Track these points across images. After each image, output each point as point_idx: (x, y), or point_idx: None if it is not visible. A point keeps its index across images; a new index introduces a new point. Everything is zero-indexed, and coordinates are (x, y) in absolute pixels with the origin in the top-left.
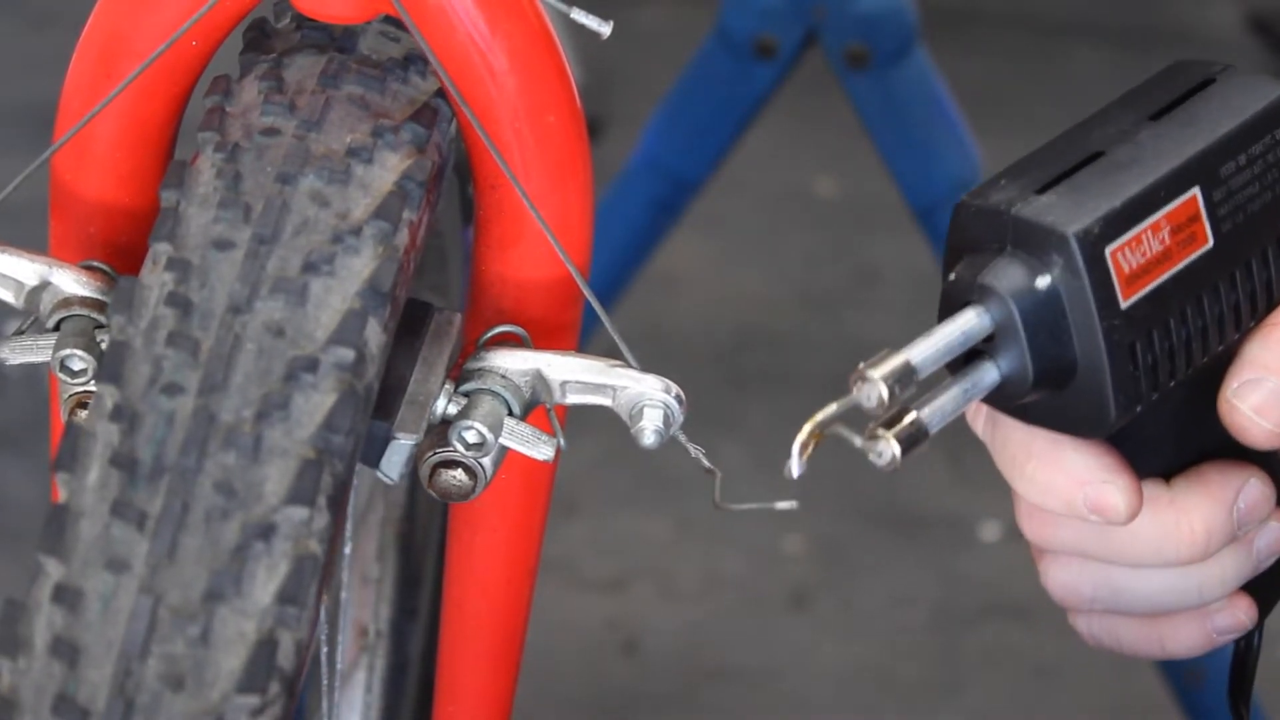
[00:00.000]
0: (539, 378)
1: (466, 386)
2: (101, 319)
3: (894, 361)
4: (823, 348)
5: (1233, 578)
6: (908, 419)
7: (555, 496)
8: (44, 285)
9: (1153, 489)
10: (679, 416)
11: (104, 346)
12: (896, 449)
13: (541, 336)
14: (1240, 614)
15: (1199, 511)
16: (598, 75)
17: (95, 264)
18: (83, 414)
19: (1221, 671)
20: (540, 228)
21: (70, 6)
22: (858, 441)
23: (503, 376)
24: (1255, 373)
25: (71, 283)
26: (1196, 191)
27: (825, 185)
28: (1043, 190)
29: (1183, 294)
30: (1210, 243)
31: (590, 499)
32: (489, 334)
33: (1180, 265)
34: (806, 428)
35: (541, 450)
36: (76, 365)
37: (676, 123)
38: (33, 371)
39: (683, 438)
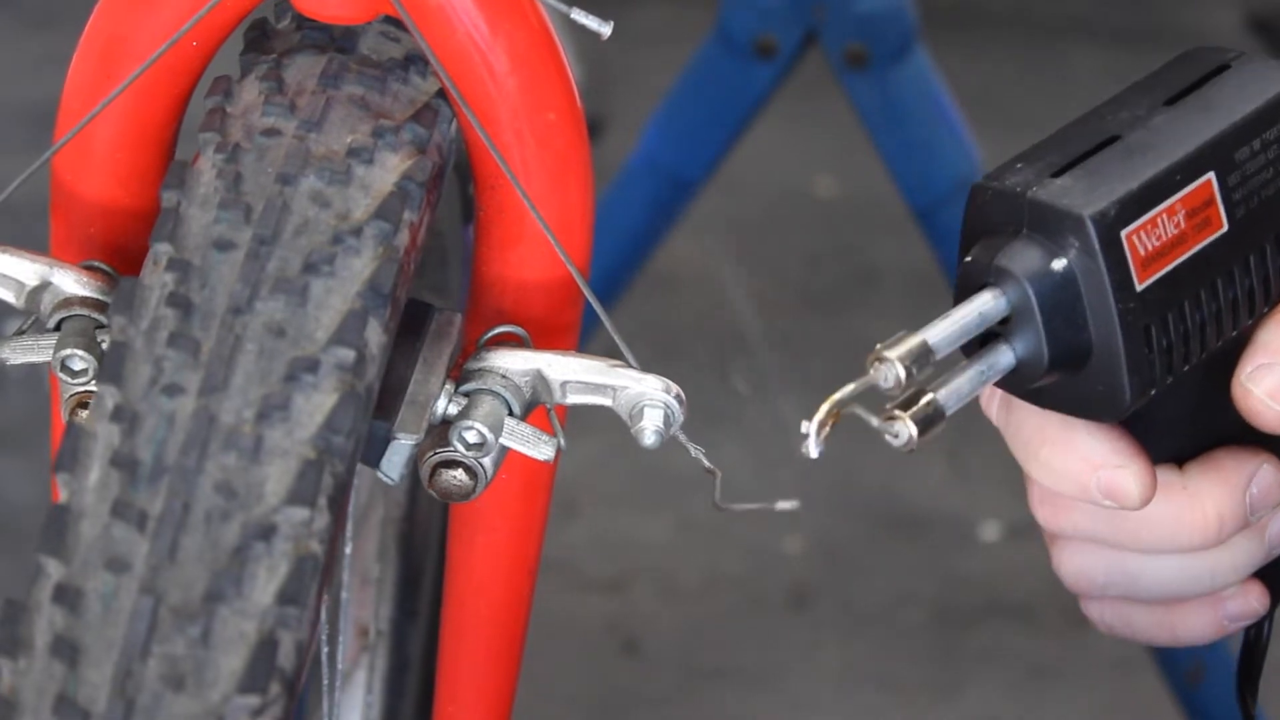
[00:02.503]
0: (539, 378)
1: (467, 387)
2: (102, 319)
3: (911, 342)
4: (823, 348)
5: (1245, 564)
6: (924, 400)
7: (555, 496)
8: (44, 285)
9: (1166, 474)
10: (679, 416)
11: (105, 347)
12: (914, 429)
13: (542, 336)
14: (1253, 600)
15: (1212, 497)
16: (598, 75)
17: (96, 264)
18: (83, 414)
19: (1221, 672)
20: (540, 228)
21: (69, 6)
22: (874, 422)
23: (503, 377)
24: (1269, 357)
25: (72, 283)
26: (1211, 176)
27: (825, 185)
28: (1059, 173)
29: (1198, 278)
30: (1225, 227)
31: (590, 499)
32: (489, 334)
33: (1195, 249)
34: (825, 407)
35: (542, 450)
36: (77, 365)
37: (676, 123)
38: (33, 371)
39: (683, 438)
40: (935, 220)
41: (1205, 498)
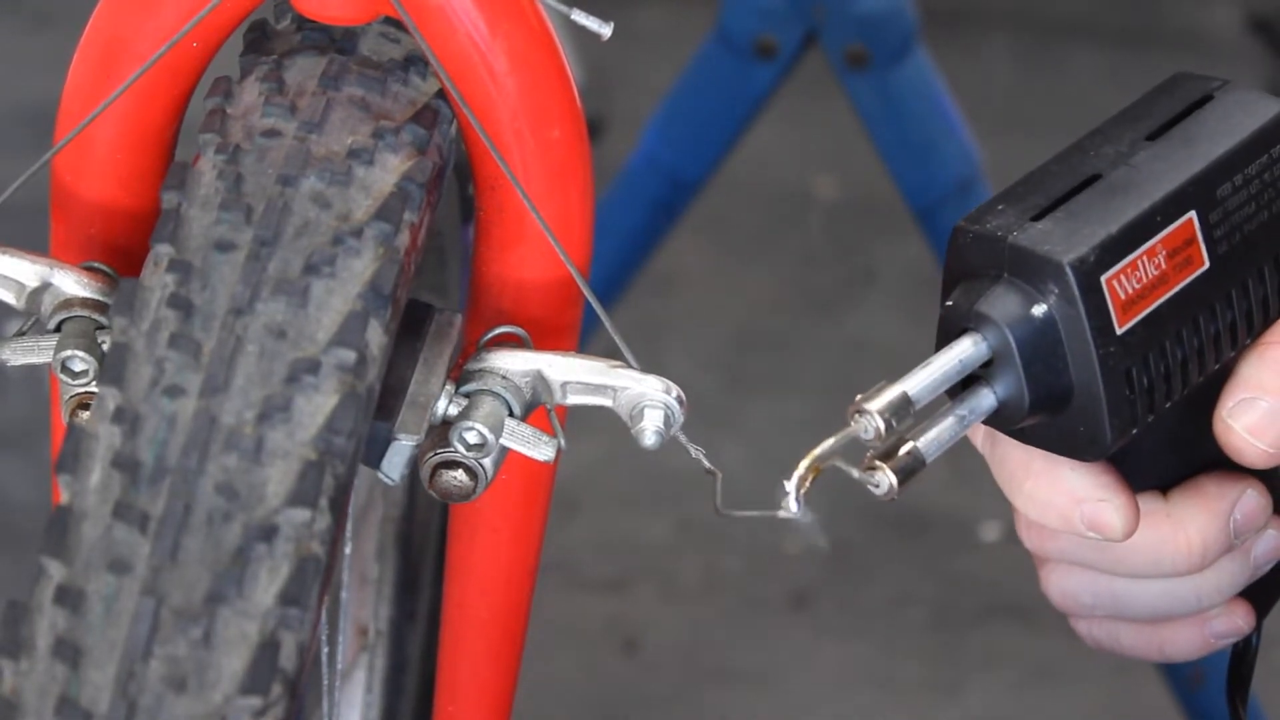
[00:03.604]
0: (539, 378)
1: (467, 387)
2: (102, 320)
3: (891, 394)
4: (823, 348)
5: (1230, 586)
6: (904, 449)
7: (556, 496)
8: (45, 286)
9: (1150, 502)
10: (679, 417)
11: (105, 348)
12: (894, 479)
13: (542, 337)
14: (1238, 619)
15: (1196, 524)
16: (598, 75)
17: (96, 265)
18: (84, 415)
19: (1222, 673)
20: (540, 228)
21: (68, 7)
22: (855, 474)
23: (503, 377)
24: (1250, 392)
25: (72, 284)
26: (1193, 215)
27: (825, 185)
28: (1039, 216)
29: (1179, 317)
30: (1206, 264)
31: (590, 499)
32: (489, 335)
33: (1176, 289)
34: (804, 463)
35: (542, 451)
36: (78, 366)
37: (676, 123)
38: (33, 372)
39: (683, 438)
40: (935, 220)
41: (1189, 525)
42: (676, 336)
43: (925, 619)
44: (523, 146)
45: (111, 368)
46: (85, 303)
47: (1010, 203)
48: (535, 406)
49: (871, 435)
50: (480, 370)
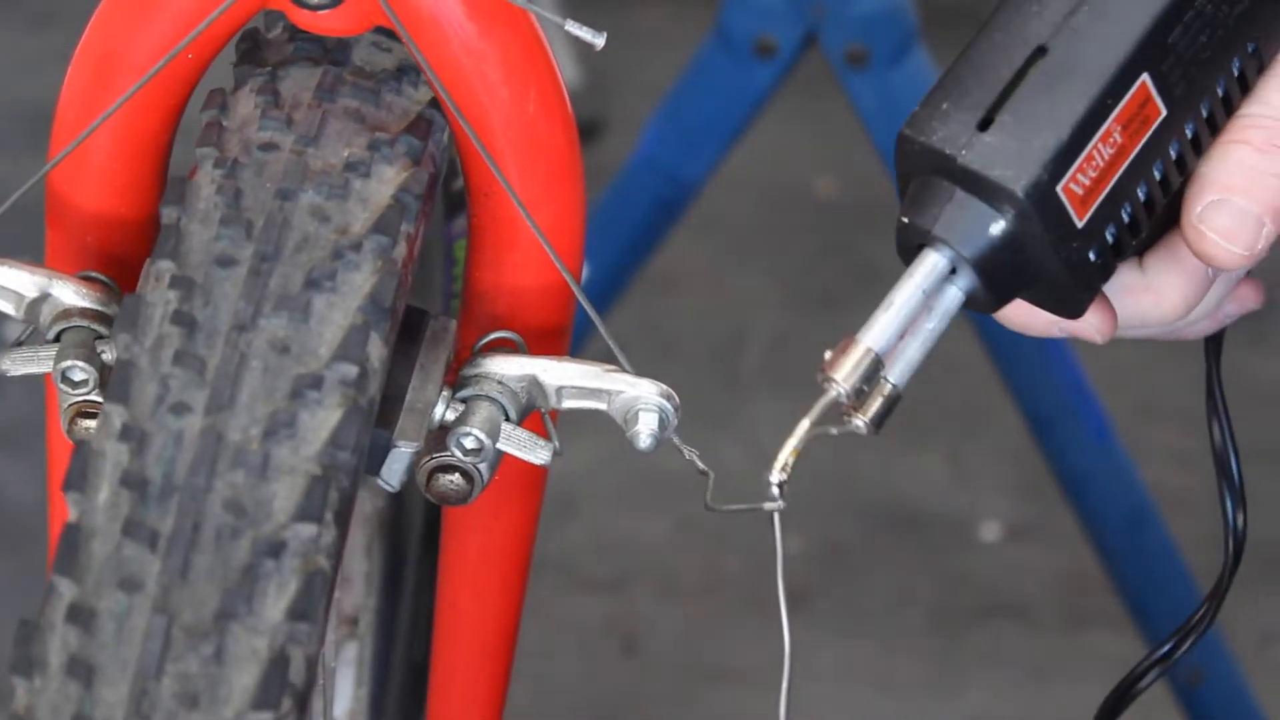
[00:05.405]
0: (535, 383)
1: (464, 393)
2: (101, 330)
3: (856, 356)
4: (823, 348)
5: (1224, 293)
6: (880, 389)
7: (555, 497)
8: (44, 297)
9: (1127, 275)
10: (674, 420)
11: (104, 358)
12: (873, 423)
13: (537, 342)
14: (1248, 301)
15: (1175, 289)
16: (597, 76)
17: (93, 275)
18: (83, 423)
19: (1222, 673)
20: (534, 234)
21: (68, 7)
22: (834, 431)
23: (499, 382)
24: (1218, 193)
25: (71, 294)
26: (1145, 78)
27: (825, 185)
28: (986, 123)
29: (1139, 174)
30: (1164, 113)
31: (590, 499)
32: (485, 340)
33: (1135, 151)
34: (783, 454)
35: (538, 455)
36: (78, 376)
37: (676, 123)
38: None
39: (677, 440)
40: None
41: (1169, 290)
42: (675, 337)
43: (925, 619)
44: (515, 154)
45: (117, 385)
46: (84, 313)
47: (954, 99)
48: (531, 411)
49: (846, 400)
50: (476, 376)
